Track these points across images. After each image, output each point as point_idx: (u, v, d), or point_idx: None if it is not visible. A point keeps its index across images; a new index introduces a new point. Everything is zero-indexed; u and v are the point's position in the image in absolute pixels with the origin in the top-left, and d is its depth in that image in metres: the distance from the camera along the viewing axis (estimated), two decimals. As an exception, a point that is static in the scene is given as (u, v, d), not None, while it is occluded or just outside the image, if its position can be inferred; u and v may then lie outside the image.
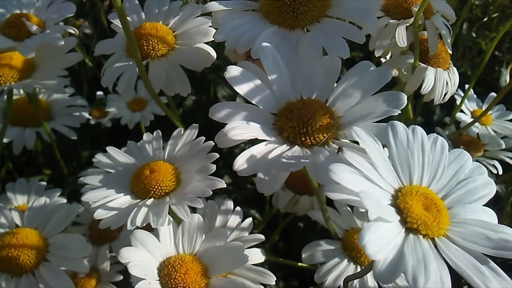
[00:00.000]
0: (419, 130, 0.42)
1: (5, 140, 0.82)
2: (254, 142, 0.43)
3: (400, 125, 0.41)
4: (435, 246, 0.37)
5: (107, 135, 1.06)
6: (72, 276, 0.64)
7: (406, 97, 0.43)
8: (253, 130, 0.42)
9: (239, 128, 0.41)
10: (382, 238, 0.34)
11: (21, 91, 0.84)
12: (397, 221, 0.37)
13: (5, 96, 0.73)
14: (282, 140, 0.44)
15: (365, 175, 0.37)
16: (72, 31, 0.71)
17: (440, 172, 0.42)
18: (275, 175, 0.40)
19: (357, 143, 0.43)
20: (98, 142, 1.01)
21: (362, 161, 0.38)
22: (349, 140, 0.44)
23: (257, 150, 0.42)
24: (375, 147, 0.39)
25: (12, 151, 0.85)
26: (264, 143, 0.42)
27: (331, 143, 0.43)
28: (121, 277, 0.70)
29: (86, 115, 0.95)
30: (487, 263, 0.35)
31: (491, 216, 0.41)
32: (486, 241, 0.37)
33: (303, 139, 0.43)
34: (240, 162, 0.41)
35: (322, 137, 0.43)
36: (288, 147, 0.43)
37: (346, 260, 0.63)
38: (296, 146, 0.43)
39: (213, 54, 0.63)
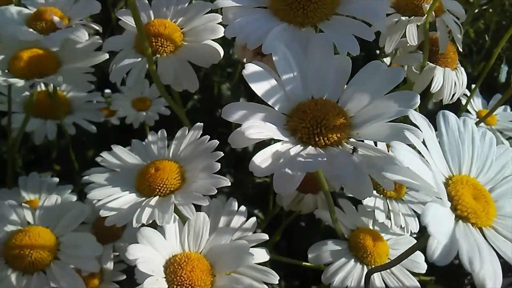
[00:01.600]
0: (470, 121, 0.42)
1: (28, 130, 0.84)
2: (260, 144, 0.43)
3: (451, 115, 0.41)
4: (483, 235, 0.37)
5: (112, 133, 1.06)
6: (76, 274, 0.64)
7: (419, 97, 0.43)
8: (269, 130, 0.42)
9: (256, 128, 0.41)
10: (441, 219, 0.34)
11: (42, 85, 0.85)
12: (448, 207, 0.37)
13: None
14: (295, 141, 0.43)
15: (422, 158, 0.37)
16: (97, 28, 0.72)
17: (488, 165, 0.42)
18: (292, 175, 0.40)
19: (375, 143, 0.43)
20: (104, 140, 1.01)
21: (420, 144, 0.38)
22: (362, 140, 0.44)
23: (272, 151, 0.41)
24: (431, 133, 0.39)
25: (21, 146, 0.85)
26: (279, 143, 0.42)
27: (345, 143, 0.43)
28: (124, 276, 0.70)
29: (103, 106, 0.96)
30: None
31: None
32: None
33: (317, 139, 0.43)
34: (257, 163, 0.40)
35: (336, 137, 0.43)
36: (302, 147, 0.42)
37: (352, 260, 0.63)
38: (310, 146, 0.43)
39: (221, 50, 0.63)
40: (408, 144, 0.37)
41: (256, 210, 0.96)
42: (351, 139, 0.44)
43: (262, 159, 0.40)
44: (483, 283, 0.33)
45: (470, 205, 0.37)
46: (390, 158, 0.40)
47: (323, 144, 0.43)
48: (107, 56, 0.73)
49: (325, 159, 0.40)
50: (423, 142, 0.38)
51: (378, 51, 1.03)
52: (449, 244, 0.34)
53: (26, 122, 0.78)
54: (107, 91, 1.04)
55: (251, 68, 0.45)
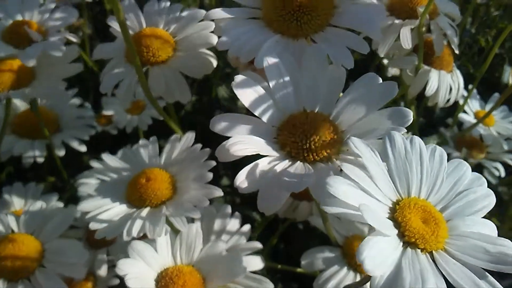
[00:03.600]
0: (417, 140, 0.41)
1: (15, 153, 0.81)
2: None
3: (398, 136, 0.40)
4: (433, 260, 0.36)
5: (108, 139, 1.05)
6: (68, 280, 0.63)
7: (412, 113, 0.42)
8: (255, 145, 0.41)
9: (241, 144, 0.40)
10: (380, 253, 0.33)
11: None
12: (395, 235, 0.36)
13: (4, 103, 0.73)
14: (284, 155, 0.42)
15: (362, 187, 0.36)
16: (73, 39, 0.70)
17: (438, 184, 0.41)
18: (276, 194, 0.39)
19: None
20: (99, 146, 1.00)
21: (359, 173, 0.37)
22: (353, 157, 0.42)
23: (258, 166, 0.41)
24: (373, 159, 0.38)
25: (14, 158, 0.84)
26: (266, 158, 0.41)
27: (334, 160, 0.42)
28: (118, 281, 0.70)
29: (93, 122, 0.94)
30: (485, 278, 0.35)
31: (491, 228, 0.40)
32: (485, 254, 0.36)
33: (306, 155, 0.42)
34: (241, 179, 0.40)
35: (325, 153, 0.42)
36: (290, 162, 0.42)
37: (345, 267, 0.62)
38: (299, 161, 0.42)
39: (214, 60, 0.62)
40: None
41: (254, 212, 0.95)
42: (342, 155, 0.43)
43: (246, 175, 0.40)
44: None
45: (418, 230, 0.36)
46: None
47: (312, 160, 0.42)
48: (82, 67, 0.72)
49: (312, 179, 0.39)
50: (367, 170, 0.37)
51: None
52: (394, 275, 0.33)
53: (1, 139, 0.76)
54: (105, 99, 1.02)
55: (240, 79, 0.44)
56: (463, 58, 1.10)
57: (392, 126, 0.41)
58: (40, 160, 0.82)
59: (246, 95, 0.44)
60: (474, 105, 1.00)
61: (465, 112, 0.98)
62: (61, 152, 0.85)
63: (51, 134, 0.85)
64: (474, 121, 0.95)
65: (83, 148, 0.87)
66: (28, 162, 0.82)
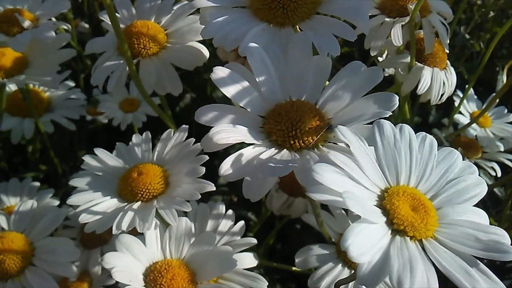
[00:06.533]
0: (407, 128, 0.40)
1: (4, 128, 0.84)
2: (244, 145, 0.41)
3: (387, 124, 0.39)
4: (423, 248, 0.35)
5: (104, 133, 1.05)
6: (63, 280, 0.63)
7: (397, 98, 0.42)
8: (240, 133, 0.40)
9: (225, 132, 0.39)
10: (366, 240, 0.32)
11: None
12: (383, 222, 0.35)
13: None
14: (270, 144, 0.42)
15: (350, 175, 0.36)
16: (65, 27, 0.70)
17: (428, 172, 0.40)
18: (262, 180, 0.39)
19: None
20: (95, 140, 1.00)
21: (347, 160, 0.36)
22: (340, 143, 0.42)
23: (244, 154, 0.40)
24: (361, 146, 0.38)
25: (8, 148, 0.84)
26: (251, 146, 0.41)
27: (321, 146, 0.42)
28: (114, 281, 0.69)
29: (83, 102, 0.95)
30: (477, 265, 0.34)
31: (482, 217, 0.40)
32: (476, 242, 0.36)
33: (292, 142, 0.42)
34: (226, 167, 0.39)
35: (312, 140, 0.41)
36: (277, 150, 0.41)
37: (340, 265, 0.62)
38: (285, 149, 0.41)
39: (206, 52, 0.62)
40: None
41: (250, 212, 0.95)
42: (329, 142, 0.42)
43: (231, 163, 0.39)
44: None
45: (407, 218, 0.36)
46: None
47: (299, 147, 0.42)
48: (75, 53, 0.72)
49: (297, 163, 0.39)
50: (354, 158, 0.37)
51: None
52: (381, 262, 0.32)
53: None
54: (96, 90, 1.03)
55: (219, 71, 0.43)
56: (457, 62, 1.10)
57: (378, 110, 0.41)
58: (28, 136, 0.85)
59: (228, 86, 0.43)
60: (471, 106, 0.99)
61: (461, 113, 0.97)
62: (50, 129, 0.88)
63: (42, 113, 0.88)
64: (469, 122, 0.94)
65: (72, 127, 0.88)
66: (16, 138, 0.85)
